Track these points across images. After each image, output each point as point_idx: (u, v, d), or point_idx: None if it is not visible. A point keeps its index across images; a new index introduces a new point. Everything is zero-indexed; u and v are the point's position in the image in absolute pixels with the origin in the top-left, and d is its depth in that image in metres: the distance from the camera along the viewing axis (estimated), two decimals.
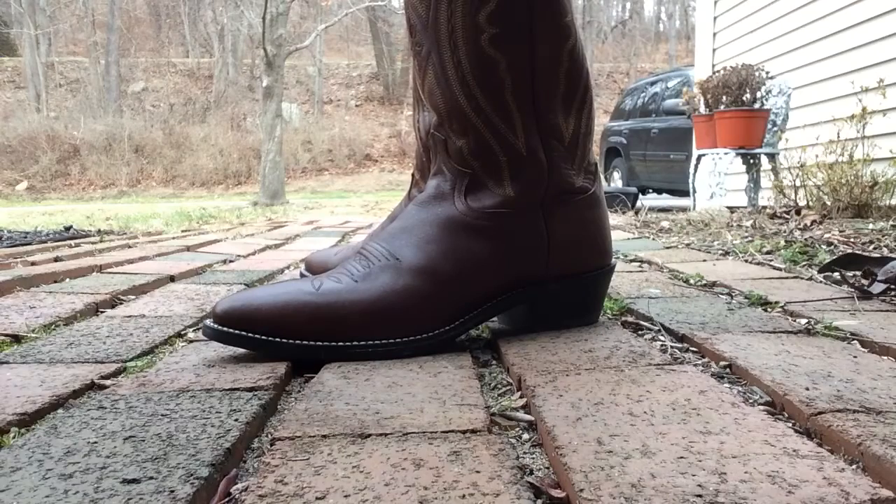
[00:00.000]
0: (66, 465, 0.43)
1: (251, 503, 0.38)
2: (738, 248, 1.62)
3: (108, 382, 0.63)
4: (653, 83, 7.73)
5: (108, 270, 1.42)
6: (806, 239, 1.70)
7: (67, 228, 3.07)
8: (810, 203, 2.65)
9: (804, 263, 1.35)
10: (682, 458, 0.43)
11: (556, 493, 0.40)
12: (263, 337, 0.70)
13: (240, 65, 19.95)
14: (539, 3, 0.73)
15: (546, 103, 0.76)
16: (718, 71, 3.63)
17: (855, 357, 0.66)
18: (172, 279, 1.34)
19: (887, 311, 0.89)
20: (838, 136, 2.71)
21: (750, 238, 1.83)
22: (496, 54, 0.72)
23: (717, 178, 3.65)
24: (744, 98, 3.43)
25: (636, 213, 3.35)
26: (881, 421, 0.47)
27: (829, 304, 0.93)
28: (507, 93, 0.74)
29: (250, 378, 0.63)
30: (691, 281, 1.19)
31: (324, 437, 0.48)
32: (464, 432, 0.49)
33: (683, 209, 3.87)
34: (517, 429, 0.52)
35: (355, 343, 0.71)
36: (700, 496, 0.37)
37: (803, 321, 0.83)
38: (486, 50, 0.72)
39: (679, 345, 0.75)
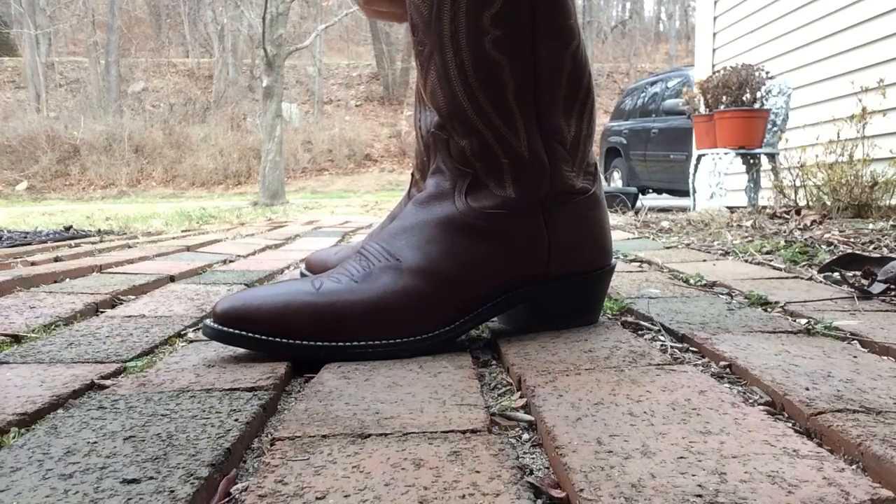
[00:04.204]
0: (66, 465, 0.43)
1: (251, 503, 0.38)
2: (738, 248, 1.62)
3: (108, 382, 0.63)
4: (653, 83, 7.73)
5: (108, 270, 1.42)
6: (806, 239, 1.70)
7: (67, 228, 3.07)
8: (810, 203, 2.65)
9: (804, 263, 1.35)
10: (682, 458, 0.43)
11: (556, 493, 0.40)
12: (263, 337, 0.70)
13: (240, 65, 19.95)
14: (543, 5, 0.73)
15: (548, 106, 0.76)
16: (718, 71, 3.63)
17: (855, 357, 0.66)
18: (172, 279, 1.34)
19: (887, 311, 0.89)
20: (838, 136, 2.72)
21: (750, 238, 1.83)
22: (499, 56, 0.72)
23: (717, 178, 3.65)
24: (744, 98, 3.43)
25: (636, 213, 3.35)
26: (881, 421, 0.47)
27: (829, 304, 0.93)
28: (510, 95, 0.74)
29: (250, 378, 0.63)
30: (691, 281, 1.19)
31: (324, 437, 0.48)
32: (464, 432, 0.49)
33: (683, 209, 3.87)
34: (517, 429, 0.52)
35: (355, 343, 0.71)
36: (700, 496, 0.37)
37: (803, 321, 0.83)
38: (490, 52, 0.72)
39: (679, 345, 0.75)
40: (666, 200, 6.81)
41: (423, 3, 0.72)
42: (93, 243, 2.24)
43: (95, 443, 0.47)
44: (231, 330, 0.70)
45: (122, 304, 1.07)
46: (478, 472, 0.42)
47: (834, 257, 1.24)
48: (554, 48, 0.74)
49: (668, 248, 1.77)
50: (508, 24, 0.71)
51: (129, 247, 2.06)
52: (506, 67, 0.73)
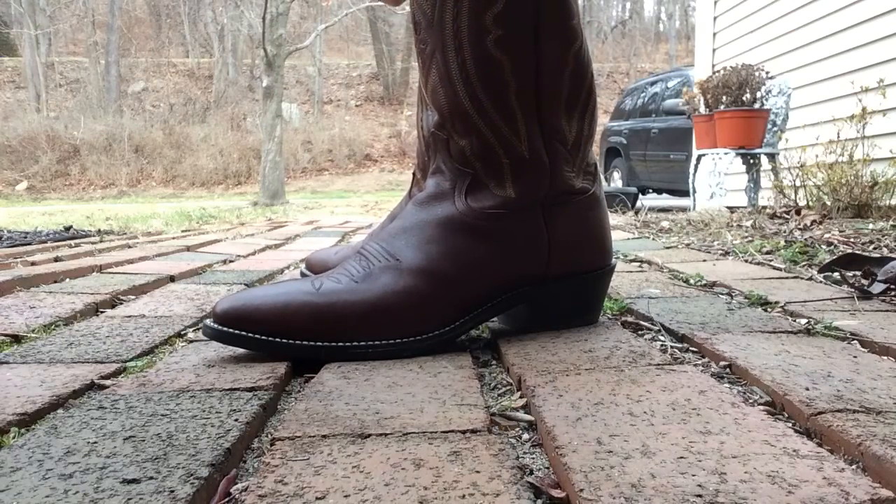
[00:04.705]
0: (66, 465, 0.43)
1: (251, 503, 0.38)
2: (738, 248, 1.62)
3: (108, 382, 0.63)
4: (653, 83, 7.73)
5: (108, 270, 1.42)
6: (806, 239, 1.70)
7: (67, 228, 3.07)
8: (810, 203, 2.65)
9: (804, 263, 1.35)
10: (682, 458, 0.43)
11: (556, 493, 0.40)
12: (263, 337, 0.70)
13: (240, 65, 19.95)
14: (546, 5, 0.72)
15: (550, 106, 0.76)
16: (718, 71, 3.63)
17: (855, 357, 0.66)
18: (172, 279, 1.34)
19: (887, 311, 0.89)
20: (838, 136, 2.71)
21: (750, 238, 1.83)
22: (501, 56, 0.72)
23: (717, 178, 3.65)
24: (744, 98, 3.43)
25: (636, 213, 3.35)
26: (881, 421, 0.47)
27: (829, 304, 0.93)
28: (511, 95, 0.74)
29: (250, 378, 0.63)
30: (691, 281, 1.19)
31: (324, 437, 0.48)
32: (464, 432, 0.49)
33: (683, 209, 3.87)
34: (517, 429, 0.52)
35: (355, 343, 0.71)
36: (700, 496, 0.37)
37: (803, 321, 0.83)
38: (492, 51, 0.72)
39: (679, 345, 0.75)
40: (666, 200, 6.81)
41: (426, 2, 0.72)
42: (93, 243, 2.24)
43: (95, 443, 0.47)
44: (231, 330, 0.70)
45: (122, 304, 1.07)
46: (478, 472, 0.42)
47: (834, 257, 1.24)
48: (556, 48, 0.74)
49: (668, 248, 1.77)
50: (511, 24, 0.71)
51: (129, 247, 2.06)
52: (507, 67, 0.73)
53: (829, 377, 0.59)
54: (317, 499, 0.39)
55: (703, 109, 3.70)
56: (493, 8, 0.70)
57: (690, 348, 0.74)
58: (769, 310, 0.92)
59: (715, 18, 4.96)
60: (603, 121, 9.06)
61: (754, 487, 0.38)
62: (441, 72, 0.74)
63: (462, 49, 0.72)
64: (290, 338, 0.70)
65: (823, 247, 1.55)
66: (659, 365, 0.64)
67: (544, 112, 0.76)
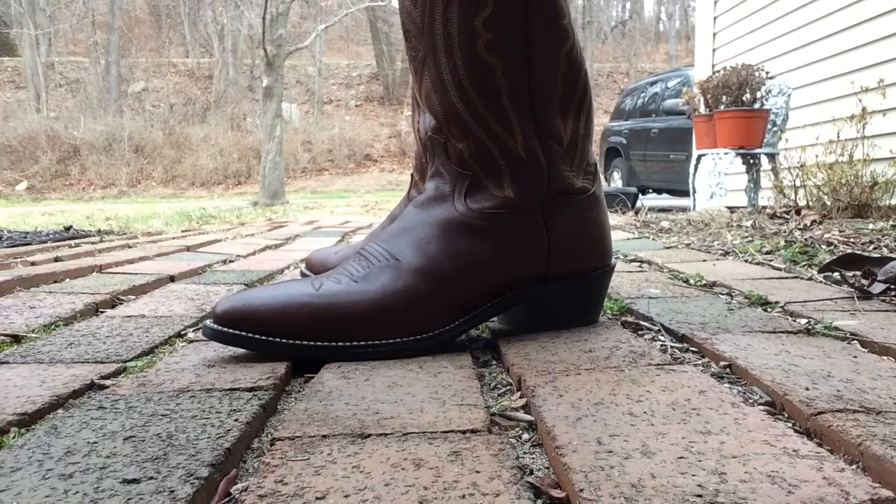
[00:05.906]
0: (66, 465, 0.43)
1: (251, 503, 0.38)
2: (738, 248, 1.62)
3: (108, 382, 0.63)
4: (653, 83, 7.73)
5: (108, 270, 1.42)
6: (806, 239, 1.70)
7: (67, 228, 3.07)
8: (810, 203, 2.65)
9: (804, 263, 1.35)
10: (682, 458, 0.43)
11: (556, 493, 0.40)
12: (263, 337, 0.70)
13: (240, 65, 19.95)
14: (535, 7, 0.72)
15: (544, 106, 0.76)
16: (718, 71, 3.63)
17: (855, 357, 0.66)
18: (172, 279, 1.34)
19: (887, 311, 0.89)
20: (838, 136, 2.71)
21: (750, 238, 1.83)
22: (493, 60, 0.72)
23: (717, 178, 3.65)
24: (744, 98, 3.43)
25: (636, 213, 3.35)
26: (881, 421, 0.47)
27: (829, 304, 0.93)
28: (505, 98, 0.74)
29: (250, 378, 0.63)
30: (691, 281, 1.19)
31: (324, 437, 0.48)
32: (464, 432, 0.49)
33: (683, 209, 3.87)
34: (517, 429, 0.52)
35: (355, 343, 0.71)
36: (700, 496, 0.37)
37: (803, 321, 0.83)
38: (483, 56, 0.72)
39: (679, 345, 0.76)
40: (666, 200, 6.81)
41: (416, 9, 0.72)
42: (93, 243, 2.24)
43: (95, 443, 0.47)
44: (231, 330, 0.70)
45: (122, 304, 1.07)
46: (478, 472, 0.42)
47: (834, 257, 1.24)
48: (548, 49, 0.74)
49: (668, 248, 1.77)
50: (501, 28, 0.71)
51: (129, 247, 2.06)
52: (499, 70, 0.73)
53: (829, 377, 0.59)
54: (317, 499, 0.39)
55: (703, 109, 3.70)
56: (483, 12, 0.70)
57: (690, 348, 0.74)
58: (769, 310, 0.92)
59: (715, 18, 4.96)
60: (603, 121, 9.06)
61: (754, 487, 0.38)
62: (434, 78, 0.74)
63: (453, 54, 0.72)
64: (290, 338, 0.70)
65: (823, 247, 1.55)
66: (659, 365, 0.64)
67: (539, 112, 0.76)
